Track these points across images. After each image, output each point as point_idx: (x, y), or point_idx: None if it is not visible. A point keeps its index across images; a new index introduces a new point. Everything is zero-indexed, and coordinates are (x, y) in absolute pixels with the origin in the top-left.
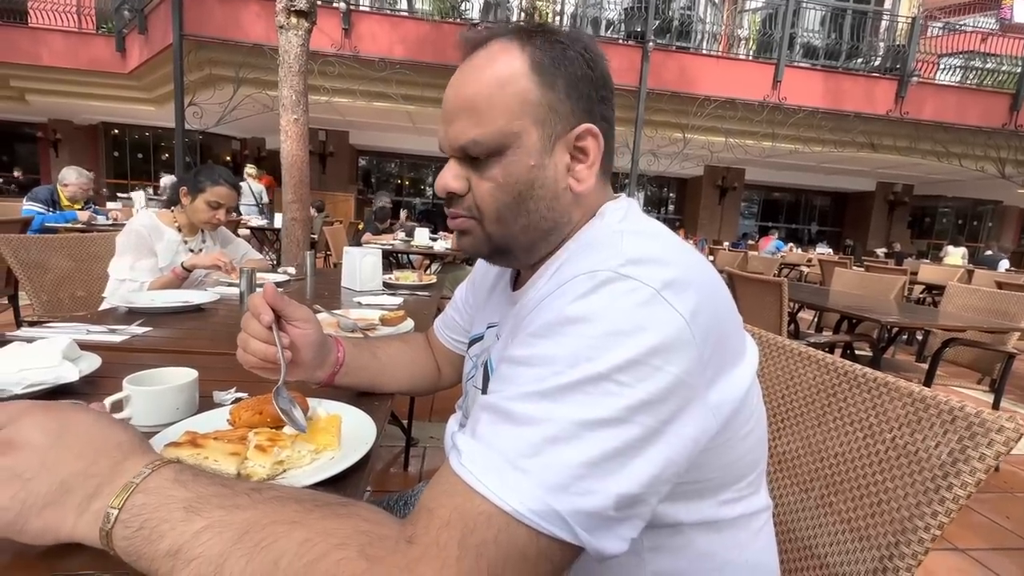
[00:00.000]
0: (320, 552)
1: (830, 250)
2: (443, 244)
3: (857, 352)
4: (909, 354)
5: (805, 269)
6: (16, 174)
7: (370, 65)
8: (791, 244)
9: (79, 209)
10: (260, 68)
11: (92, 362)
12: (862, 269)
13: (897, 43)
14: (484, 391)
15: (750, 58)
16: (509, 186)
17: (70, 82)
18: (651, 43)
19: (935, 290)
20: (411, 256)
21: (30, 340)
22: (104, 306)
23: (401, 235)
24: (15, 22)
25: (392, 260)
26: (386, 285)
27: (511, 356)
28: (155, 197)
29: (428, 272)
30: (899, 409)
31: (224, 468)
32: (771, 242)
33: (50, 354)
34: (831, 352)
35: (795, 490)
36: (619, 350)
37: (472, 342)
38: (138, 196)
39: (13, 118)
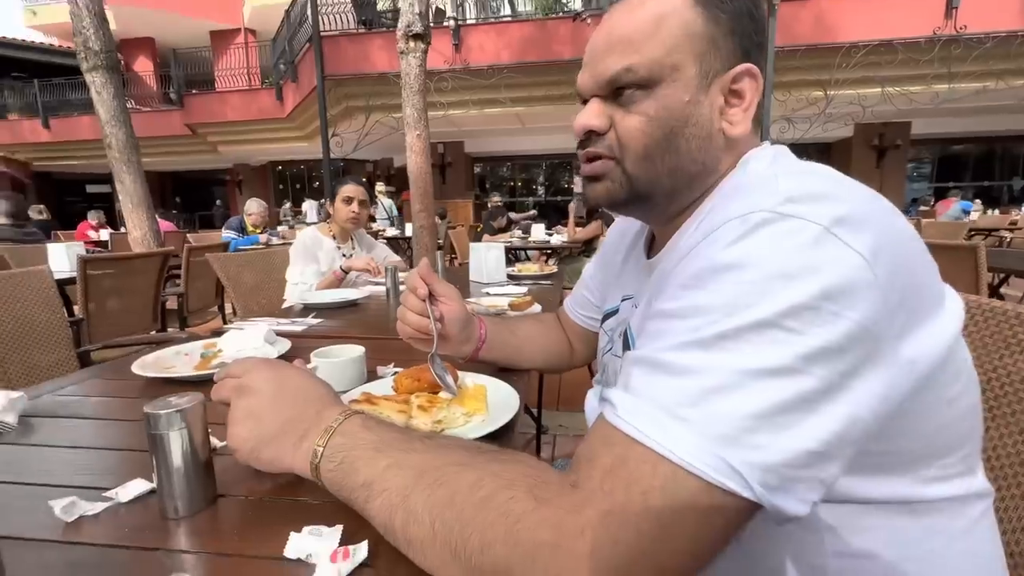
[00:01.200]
0: (491, 490)
1: None
2: (559, 238)
3: None
4: None
5: (1008, 235)
6: (218, 202)
7: (480, 74)
8: (981, 206)
9: (260, 233)
10: (386, 95)
11: (284, 345)
12: None
13: None
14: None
15: None
16: (661, 120)
17: (246, 131)
18: None
19: None
20: (529, 253)
21: (241, 329)
22: (285, 306)
23: (518, 233)
24: (207, 90)
25: (512, 257)
26: (510, 277)
27: (660, 310)
28: (301, 220)
29: (550, 264)
30: None
31: (395, 422)
32: (953, 205)
33: (256, 337)
34: None
35: (1019, 478)
36: (785, 294)
37: (606, 316)
38: (309, 205)
39: (211, 167)
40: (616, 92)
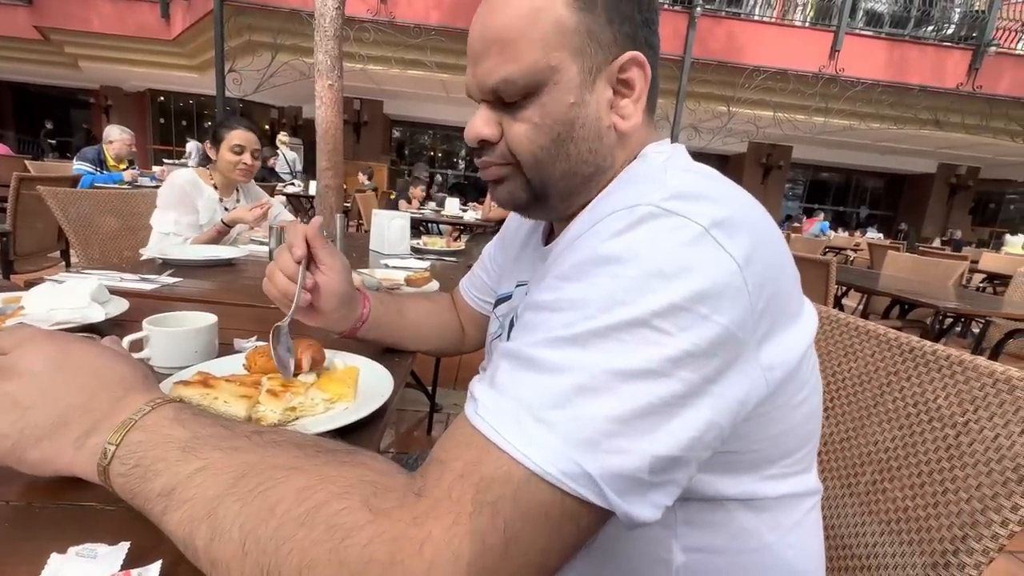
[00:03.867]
0: (320, 500)
1: (880, 235)
2: (473, 215)
3: None
4: (963, 347)
5: (852, 254)
6: (48, 125)
7: (405, 31)
8: (838, 228)
9: (123, 169)
10: (297, 35)
11: (119, 305)
12: (915, 255)
13: (975, 8)
14: None
15: (807, 25)
16: (546, 127)
17: (118, 48)
18: (699, 8)
19: (997, 280)
20: (441, 227)
21: (61, 282)
22: (144, 258)
23: (431, 205)
24: None
25: (422, 230)
26: (414, 250)
27: (535, 301)
28: (183, 164)
29: (459, 240)
30: (976, 391)
31: (234, 410)
32: (815, 224)
33: (79, 295)
34: None
35: (842, 475)
36: (660, 293)
37: (499, 301)
38: (193, 146)
39: (69, 84)
40: (498, 100)
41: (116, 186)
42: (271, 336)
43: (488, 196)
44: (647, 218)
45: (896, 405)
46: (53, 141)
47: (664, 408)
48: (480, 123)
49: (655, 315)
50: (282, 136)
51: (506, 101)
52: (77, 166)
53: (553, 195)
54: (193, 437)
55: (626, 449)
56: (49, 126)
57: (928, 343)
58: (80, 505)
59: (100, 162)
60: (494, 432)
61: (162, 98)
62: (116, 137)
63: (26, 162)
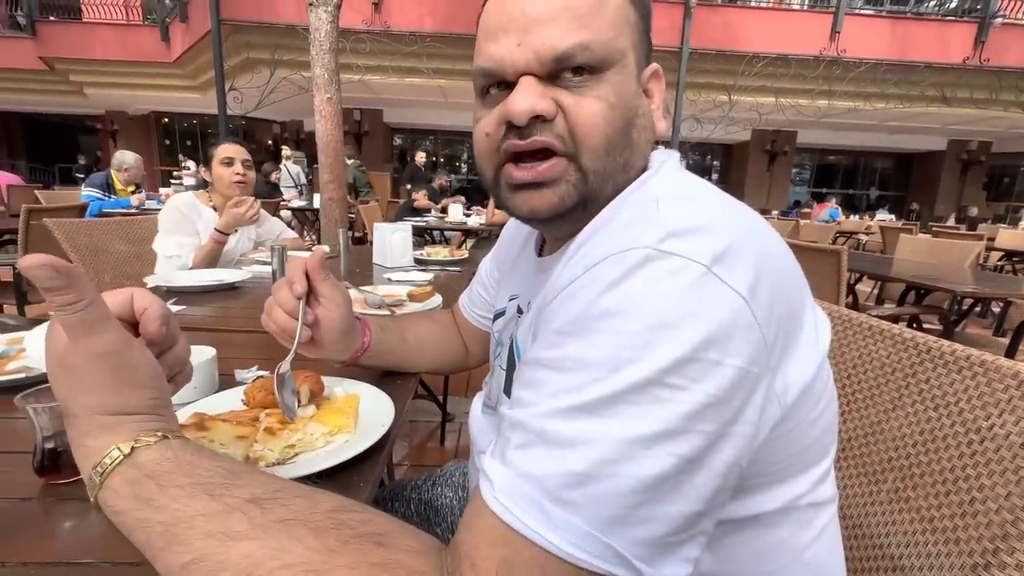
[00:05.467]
0: None
1: (892, 216)
2: (476, 220)
3: (925, 327)
4: (983, 327)
5: (864, 238)
6: (80, 161)
7: (401, 40)
8: (848, 213)
9: (132, 193)
10: (294, 49)
11: None
12: (929, 236)
13: None
14: (509, 373)
15: (805, 8)
16: (620, 108)
17: (121, 73)
18: None
19: (1016, 257)
20: (446, 233)
21: None
22: (149, 286)
23: (434, 211)
24: (71, 19)
25: (427, 237)
26: (417, 261)
27: (536, 357)
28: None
29: (462, 248)
30: (1000, 393)
31: (231, 452)
32: (825, 209)
33: None
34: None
35: (863, 481)
36: (667, 346)
37: (496, 317)
38: (190, 162)
39: (76, 111)
40: (556, 73)
41: (124, 212)
42: (275, 381)
43: (491, 200)
44: (643, 263)
45: (916, 408)
46: (82, 175)
47: (687, 465)
48: (535, 95)
49: (664, 372)
50: (286, 151)
51: (571, 72)
52: (85, 193)
53: (602, 195)
54: (175, 516)
55: (653, 517)
56: (82, 161)
57: (946, 343)
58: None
59: (108, 187)
60: (518, 521)
61: (166, 120)
62: (132, 165)
63: (36, 192)
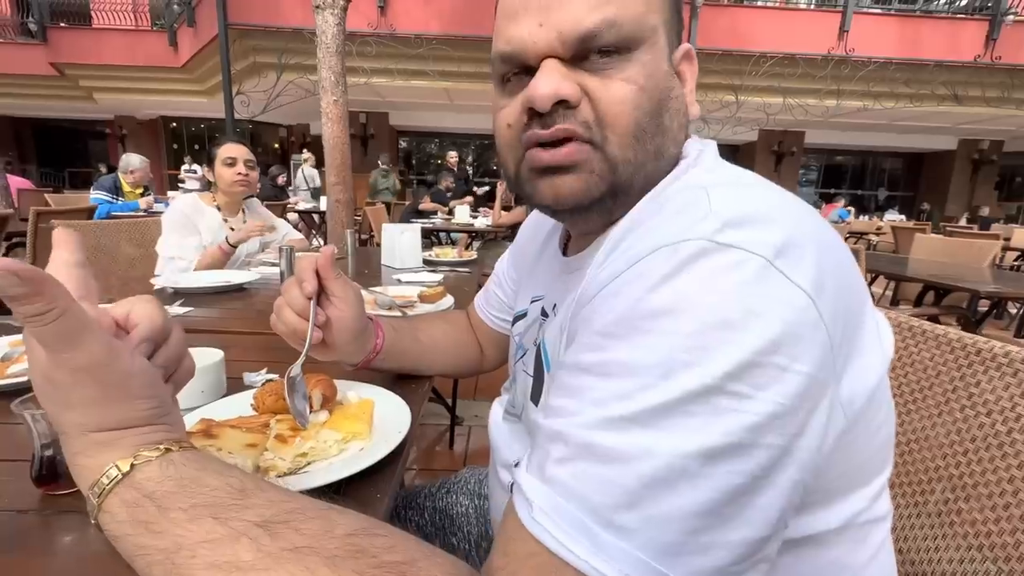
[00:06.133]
0: None
1: (902, 216)
2: (483, 221)
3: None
4: (1001, 329)
5: (874, 238)
6: (102, 170)
7: (406, 42)
8: (857, 214)
9: (140, 195)
10: (300, 53)
11: None
12: (943, 236)
13: None
14: (536, 380)
15: (812, 7)
16: (650, 91)
17: (130, 78)
18: None
19: None
20: (452, 235)
21: None
22: (156, 288)
23: (441, 213)
24: (81, 25)
25: (433, 239)
26: (426, 262)
27: (576, 362)
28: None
29: (469, 249)
30: None
31: (240, 461)
32: (834, 210)
33: None
34: None
35: (907, 492)
36: (728, 349)
37: (516, 319)
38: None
39: (86, 116)
40: (581, 54)
41: (132, 215)
42: (285, 386)
43: (497, 201)
44: (698, 255)
45: (965, 414)
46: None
47: (752, 484)
48: (559, 78)
49: (727, 377)
50: (306, 154)
51: (598, 52)
52: (94, 196)
53: (634, 185)
54: (175, 542)
55: (715, 543)
56: (103, 169)
57: (997, 344)
58: None
59: (116, 190)
60: (561, 546)
61: (174, 124)
62: (138, 167)
63: (46, 196)
